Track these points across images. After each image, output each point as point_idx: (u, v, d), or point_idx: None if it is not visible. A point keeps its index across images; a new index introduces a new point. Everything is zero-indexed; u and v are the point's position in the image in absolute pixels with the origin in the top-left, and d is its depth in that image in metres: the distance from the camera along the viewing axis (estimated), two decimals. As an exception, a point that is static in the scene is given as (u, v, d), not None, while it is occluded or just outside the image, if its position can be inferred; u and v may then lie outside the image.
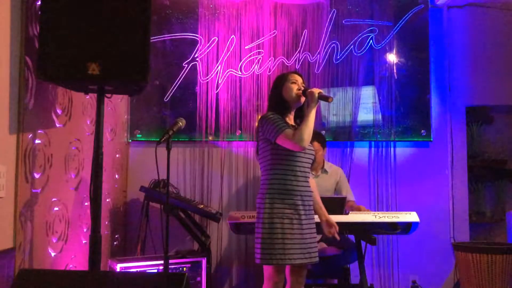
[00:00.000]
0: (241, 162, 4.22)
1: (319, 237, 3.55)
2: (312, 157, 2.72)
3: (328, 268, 3.57)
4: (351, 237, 3.65)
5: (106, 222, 3.51)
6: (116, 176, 3.82)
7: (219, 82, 4.21)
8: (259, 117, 4.16)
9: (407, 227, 3.20)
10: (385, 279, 4.19)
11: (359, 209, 3.51)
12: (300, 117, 2.74)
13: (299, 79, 2.72)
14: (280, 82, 2.73)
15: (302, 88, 2.69)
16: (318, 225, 2.78)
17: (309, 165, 2.70)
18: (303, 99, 2.67)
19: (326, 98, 2.62)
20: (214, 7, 4.25)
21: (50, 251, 2.45)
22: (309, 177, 2.70)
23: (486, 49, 4.40)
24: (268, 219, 2.55)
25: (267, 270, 2.58)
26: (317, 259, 2.63)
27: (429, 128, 4.29)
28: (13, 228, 2.11)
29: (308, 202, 2.65)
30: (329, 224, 2.79)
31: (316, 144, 3.69)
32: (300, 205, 2.59)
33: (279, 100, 2.70)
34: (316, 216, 2.77)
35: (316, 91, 2.61)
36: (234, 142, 4.22)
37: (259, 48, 4.24)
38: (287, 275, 2.67)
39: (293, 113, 2.74)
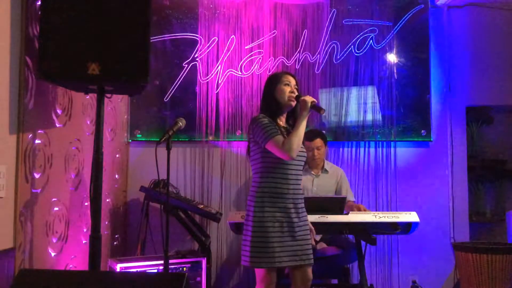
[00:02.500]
0: (241, 162, 4.22)
1: (319, 237, 3.56)
2: (304, 158, 2.70)
3: (328, 268, 3.57)
4: (351, 237, 3.65)
5: (106, 222, 3.51)
6: (116, 176, 3.82)
7: (219, 82, 4.21)
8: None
9: (407, 227, 3.20)
10: (385, 279, 4.19)
11: (358, 208, 3.52)
12: (293, 118, 2.72)
13: (292, 81, 2.68)
14: (272, 82, 2.69)
15: (295, 91, 2.66)
16: (318, 224, 2.78)
17: (301, 167, 2.68)
18: (295, 102, 2.66)
19: (318, 109, 2.60)
20: (214, 7, 4.24)
21: (50, 251, 2.45)
22: (301, 179, 2.68)
23: (486, 49, 4.40)
24: (258, 223, 2.53)
25: (259, 272, 2.57)
26: (312, 260, 2.61)
27: (429, 128, 4.28)
28: (13, 228, 2.11)
29: (301, 205, 2.63)
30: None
31: (319, 140, 3.73)
32: (292, 208, 2.57)
33: (271, 101, 2.67)
34: (316, 216, 2.76)
35: (309, 100, 2.58)
36: (234, 142, 4.22)
37: (259, 48, 4.24)
38: (292, 275, 2.66)
39: (285, 114, 2.72)
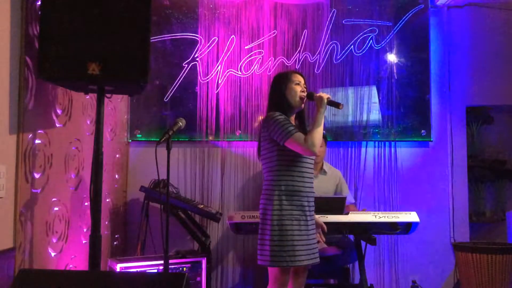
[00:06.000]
0: (241, 162, 4.22)
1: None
2: (315, 157, 2.71)
3: (328, 268, 3.57)
4: (351, 237, 3.65)
5: (106, 222, 3.51)
6: (116, 176, 3.82)
7: (219, 82, 4.21)
8: (261, 117, 4.16)
9: (407, 227, 3.20)
10: (385, 279, 4.19)
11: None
12: (299, 117, 2.72)
13: (302, 80, 2.68)
14: (282, 81, 2.67)
15: (305, 90, 2.66)
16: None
17: (313, 166, 2.69)
18: (303, 104, 2.65)
19: (336, 105, 2.59)
20: (214, 7, 4.24)
21: (50, 251, 2.45)
22: (313, 178, 2.69)
23: (486, 49, 4.40)
24: (278, 221, 2.51)
25: (273, 272, 2.55)
26: (318, 259, 2.63)
27: (429, 128, 4.28)
28: (13, 228, 2.11)
29: (312, 203, 2.64)
30: (317, 224, 2.76)
31: None
32: (306, 206, 2.58)
33: (281, 100, 2.64)
34: (316, 216, 2.75)
35: (325, 96, 2.58)
36: (234, 142, 4.22)
37: (259, 48, 4.24)
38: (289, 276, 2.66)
39: (294, 114, 2.71)
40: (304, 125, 2.71)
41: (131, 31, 2.16)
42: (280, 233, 2.50)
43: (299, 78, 2.68)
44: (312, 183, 2.67)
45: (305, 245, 2.53)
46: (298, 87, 2.64)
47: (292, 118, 2.70)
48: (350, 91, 4.28)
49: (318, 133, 2.52)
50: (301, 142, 2.48)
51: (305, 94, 2.64)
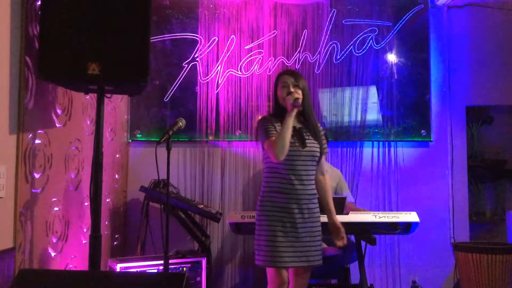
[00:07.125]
0: (241, 162, 4.22)
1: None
2: (314, 153, 2.62)
3: (328, 268, 3.56)
4: (351, 237, 3.64)
5: (106, 222, 3.51)
6: (116, 176, 3.82)
7: (219, 82, 4.21)
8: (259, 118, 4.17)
9: (407, 227, 3.20)
10: (385, 279, 4.18)
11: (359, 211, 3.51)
12: (303, 116, 2.71)
13: (289, 80, 2.65)
14: (275, 84, 2.74)
15: (292, 90, 2.61)
16: (323, 225, 2.77)
17: (311, 164, 2.62)
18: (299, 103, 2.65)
19: (297, 107, 2.55)
20: (214, 7, 4.24)
21: (50, 251, 2.45)
22: (310, 178, 2.63)
23: (486, 49, 4.39)
24: (260, 221, 2.59)
25: (268, 272, 2.58)
26: (319, 262, 2.61)
27: (429, 128, 4.28)
28: (13, 228, 2.11)
29: (307, 205, 2.59)
30: (335, 228, 2.73)
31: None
32: (295, 208, 2.54)
33: (277, 104, 2.73)
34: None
35: (291, 98, 2.55)
36: (234, 142, 4.22)
37: (259, 48, 4.24)
38: (290, 277, 2.66)
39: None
40: (309, 124, 2.69)
41: (131, 31, 2.16)
42: (263, 233, 2.56)
43: (286, 79, 2.66)
44: (307, 184, 2.60)
45: (292, 247, 2.52)
46: (285, 89, 2.64)
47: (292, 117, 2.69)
48: (350, 91, 4.28)
49: (281, 139, 2.47)
50: (268, 146, 2.51)
51: (290, 96, 2.61)
